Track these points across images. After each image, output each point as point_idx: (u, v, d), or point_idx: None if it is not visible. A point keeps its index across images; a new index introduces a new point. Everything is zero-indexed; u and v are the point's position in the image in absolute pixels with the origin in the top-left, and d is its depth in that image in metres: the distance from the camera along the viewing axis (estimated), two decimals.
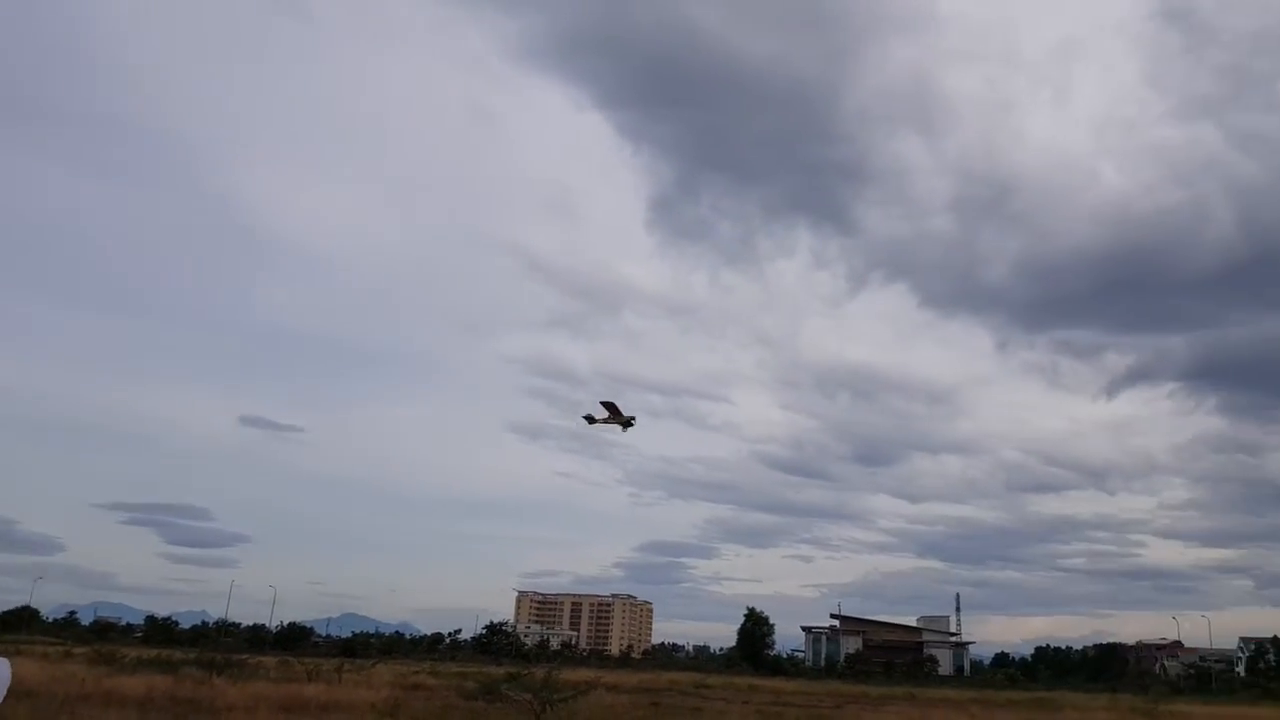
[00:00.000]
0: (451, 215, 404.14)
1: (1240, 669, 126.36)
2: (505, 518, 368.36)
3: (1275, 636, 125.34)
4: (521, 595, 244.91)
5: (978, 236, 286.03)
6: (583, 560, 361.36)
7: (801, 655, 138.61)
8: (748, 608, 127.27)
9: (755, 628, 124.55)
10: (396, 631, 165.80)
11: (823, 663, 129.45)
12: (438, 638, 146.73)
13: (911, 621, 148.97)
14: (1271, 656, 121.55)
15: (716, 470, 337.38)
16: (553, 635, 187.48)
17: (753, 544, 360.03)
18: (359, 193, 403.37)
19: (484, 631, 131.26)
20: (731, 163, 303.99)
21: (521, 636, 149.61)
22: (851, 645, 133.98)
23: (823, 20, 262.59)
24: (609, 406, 51.49)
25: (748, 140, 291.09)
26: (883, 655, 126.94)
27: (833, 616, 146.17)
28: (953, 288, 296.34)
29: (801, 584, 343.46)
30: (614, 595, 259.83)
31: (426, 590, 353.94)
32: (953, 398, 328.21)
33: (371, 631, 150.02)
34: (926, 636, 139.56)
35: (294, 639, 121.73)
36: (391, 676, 46.18)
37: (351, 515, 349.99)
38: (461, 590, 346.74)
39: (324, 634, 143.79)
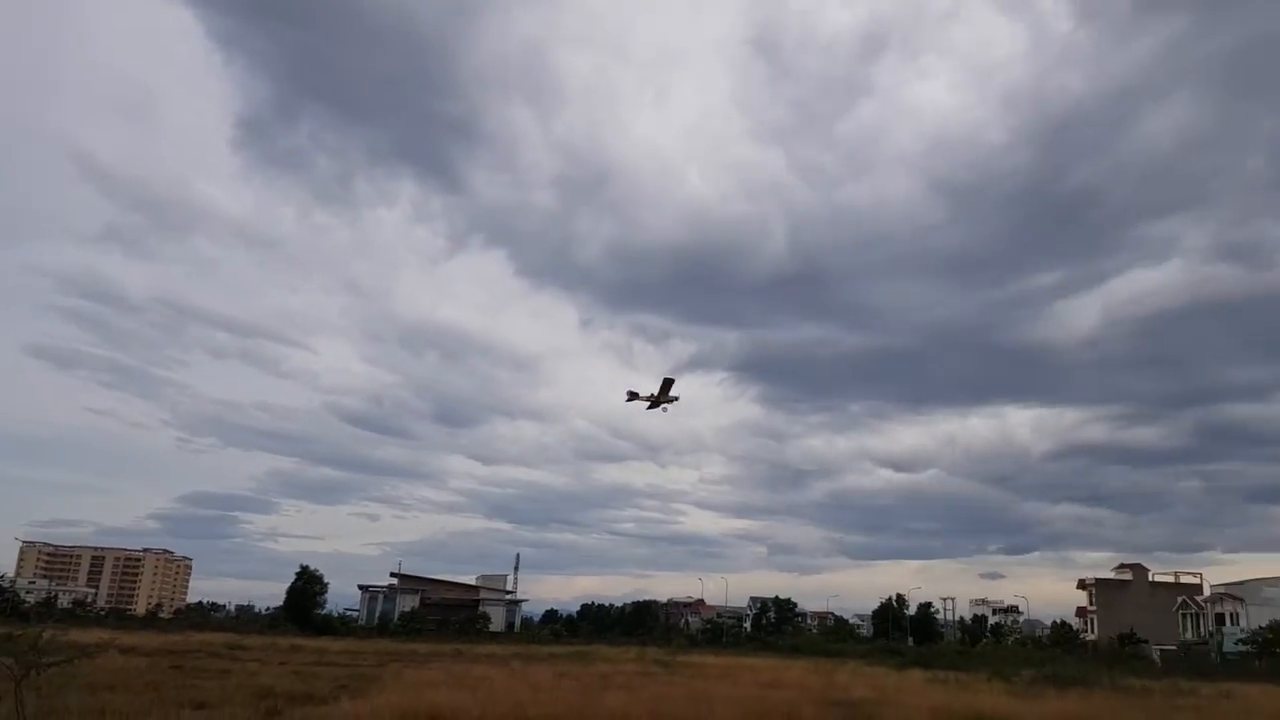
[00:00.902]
0: None
1: (748, 624, 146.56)
2: (12, 456, 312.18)
3: (777, 597, 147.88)
4: (28, 546, 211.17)
5: (575, 216, 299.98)
6: (111, 510, 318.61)
7: (355, 615, 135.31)
8: (301, 565, 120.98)
9: (307, 586, 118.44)
10: None
11: (376, 621, 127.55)
12: None
13: (472, 580, 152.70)
14: (772, 614, 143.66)
15: (284, 420, 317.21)
16: (65, 592, 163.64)
17: (317, 500, 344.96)
18: None
19: None
20: (337, 96, 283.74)
21: (22, 593, 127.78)
22: (409, 604, 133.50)
23: None
24: (667, 383, 46.09)
25: (358, 76, 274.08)
26: (439, 613, 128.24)
27: (392, 575, 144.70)
28: (547, 261, 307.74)
29: (365, 542, 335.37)
30: (146, 549, 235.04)
31: None
32: (536, 366, 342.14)
33: None
34: (484, 595, 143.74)
35: None
36: None
37: None
38: None
39: None
